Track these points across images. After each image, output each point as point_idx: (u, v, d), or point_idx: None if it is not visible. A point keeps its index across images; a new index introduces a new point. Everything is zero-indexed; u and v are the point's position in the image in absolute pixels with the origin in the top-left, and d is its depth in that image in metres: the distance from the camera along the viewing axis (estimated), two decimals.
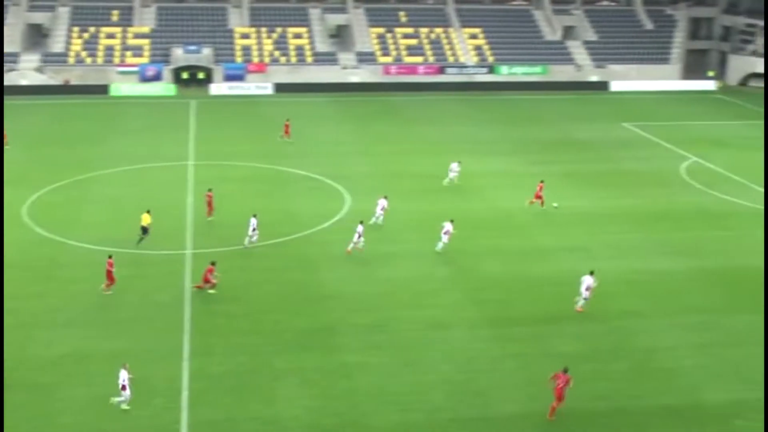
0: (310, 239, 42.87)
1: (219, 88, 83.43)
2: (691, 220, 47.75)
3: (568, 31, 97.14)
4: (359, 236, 40.88)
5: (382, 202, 45.31)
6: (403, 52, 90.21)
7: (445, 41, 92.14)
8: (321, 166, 56.06)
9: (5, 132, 57.30)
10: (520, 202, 49.14)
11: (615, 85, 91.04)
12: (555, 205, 48.46)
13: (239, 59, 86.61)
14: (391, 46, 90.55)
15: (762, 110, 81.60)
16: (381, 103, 79.92)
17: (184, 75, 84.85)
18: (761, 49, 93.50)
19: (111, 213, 46.07)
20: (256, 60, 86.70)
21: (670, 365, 31.23)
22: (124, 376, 27.30)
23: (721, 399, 29.08)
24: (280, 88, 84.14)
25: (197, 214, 45.96)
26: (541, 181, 49.56)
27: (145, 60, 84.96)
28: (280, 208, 47.30)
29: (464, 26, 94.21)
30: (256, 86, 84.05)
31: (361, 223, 41.83)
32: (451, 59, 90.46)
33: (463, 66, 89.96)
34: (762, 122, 75.85)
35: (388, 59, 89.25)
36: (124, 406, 27.40)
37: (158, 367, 29.98)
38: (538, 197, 48.78)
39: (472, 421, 27.43)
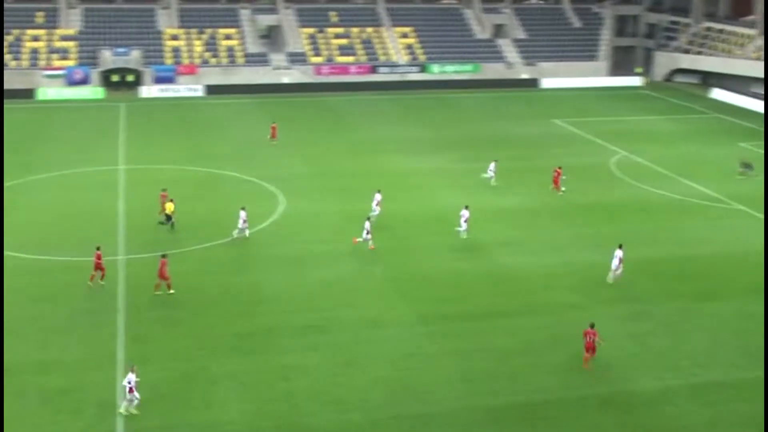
0: (246, 241, 42.57)
1: (149, 90, 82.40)
2: (622, 213, 48.64)
3: (498, 30, 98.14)
4: (368, 232, 41.28)
5: (377, 197, 45.71)
6: (335, 52, 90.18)
7: (376, 41, 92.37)
8: (254, 167, 55.76)
9: None
10: (454, 200, 49.45)
11: (545, 82, 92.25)
12: (563, 189, 51.48)
13: (169, 61, 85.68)
14: (323, 47, 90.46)
15: (687, 104, 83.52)
16: (313, 104, 79.79)
17: (113, 78, 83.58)
18: (685, 45, 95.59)
19: (40, 220, 45.17)
20: (186, 62, 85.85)
21: (604, 355, 31.71)
22: (131, 379, 26.97)
23: (653, 387, 29.66)
24: (212, 89, 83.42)
25: (130, 218, 45.36)
26: (558, 167, 52.43)
27: (72, 63, 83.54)
28: (213, 210, 46.91)
29: (395, 25, 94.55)
30: (188, 88, 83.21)
31: (368, 219, 42.23)
32: (382, 58, 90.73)
33: (394, 65, 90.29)
34: (688, 116, 77.69)
35: (320, 59, 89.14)
36: (134, 410, 27.02)
37: (91, 376, 29.44)
38: (556, 183, 51.54)
39: (411, 418, 27.53)
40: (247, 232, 42.52)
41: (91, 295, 36.01)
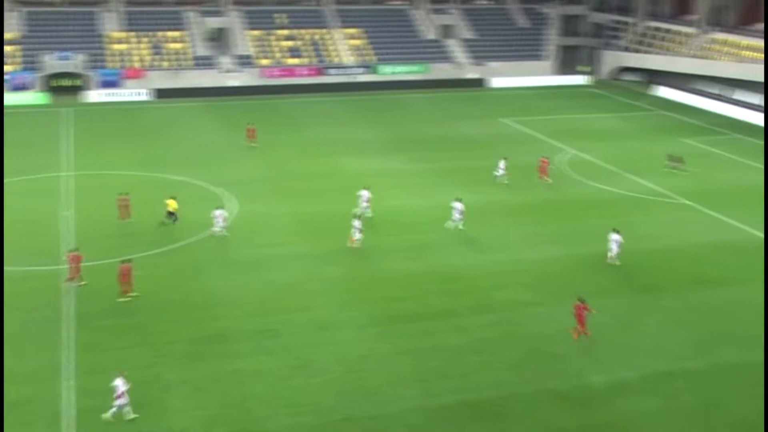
0: (196, 246, 42.27)
1: (95, 95, 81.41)
2: (573, 210, 49.16)
3: (446, 30, 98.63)
4: (357, 231, 41.73)
5: (365, 194, 45.95)
6: (283, 54, 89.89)
7: (324, 42, 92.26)
8: (204, 172, 55.36)
9: None
10: (405, 200, 49.69)
11: (493, 82, 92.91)
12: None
13: (114, 65, 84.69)
14: (271, 49, 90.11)
15: (633, 102, 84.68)
16: (262, 107, 79.46)
17: (57, 83, 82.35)
18: (629, 45, 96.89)
19: None
20: (132, 65, 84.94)
21: (557, 351, 32.07)
22: (119, 384, 26.73)
23: (605, 380, 30.04)
24: (160, 93, 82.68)
25: (79, 225, 44.75)
26: (545, 157, 55.41)
27: (14, 68, 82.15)
28: (163, 216, 46.42)
29: (343, 27, 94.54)
30: (134, 92, 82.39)
31: (358, 218, 42.54)
32: (331, 60, 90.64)
33: (343, 67, 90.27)
34: (634, 113, 78.80)
35: (268, 62, 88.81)
36: (130, 415, 26.91)
37: (40, 388, 28.94)
38: (543, 173, 53.93)
39: (364, 419, 27.54)
40: (220, 231, 43.21)
41: (39, 304, 35.44)
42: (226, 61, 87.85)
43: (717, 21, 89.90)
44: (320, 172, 56.07)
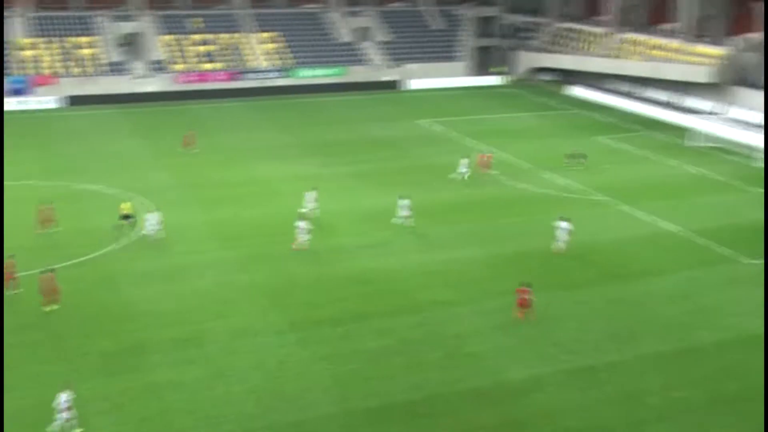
0: (112, 257, 41.38)
1: (5, 103, 79.07)
2: (490, 209, 49.61)
3: (362, 33, 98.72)
4: (304, 232, 41.97)
5: (312, 195, 46.07)
6: (198, 59, 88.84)
7: (239, 47, 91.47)
8: (118, 180, 54.23)
9: None
10: (323, 205, 49.42)
11: (410, 83, 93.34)
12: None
13: (23, 72, 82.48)
14: (185, 54, 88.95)
15: (548, 101, 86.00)
16: (177, 113, 78.36)
17: None
18: (543, 45, 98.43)
19: None
20: (42, 72, 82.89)
21: (477, 349, 32.28)
22: (64, 398, 26.13)
23: (523, 376, 30.34)
24: (72, 100, 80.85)
25: None
26: (486, 153, 56.96)
27: None
28: (78, 226, 45.41)
29: (258, 31, 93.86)
30: (45, 100, 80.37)
31: (302, 219, 42.49)
32: (247, 64, 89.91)
33: (259, 71, 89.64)
34: (549, 112, 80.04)
35: (183, 67, 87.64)
36: (76, 430, 26.25)
37: None
38: (485, 166, 55.72)
39: (285, 426, 27.25)
40: (153, 234, 43.21)
41: None
42: (139, 66, 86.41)
43: (627, 21, 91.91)
44: (237, 178, 55.53)
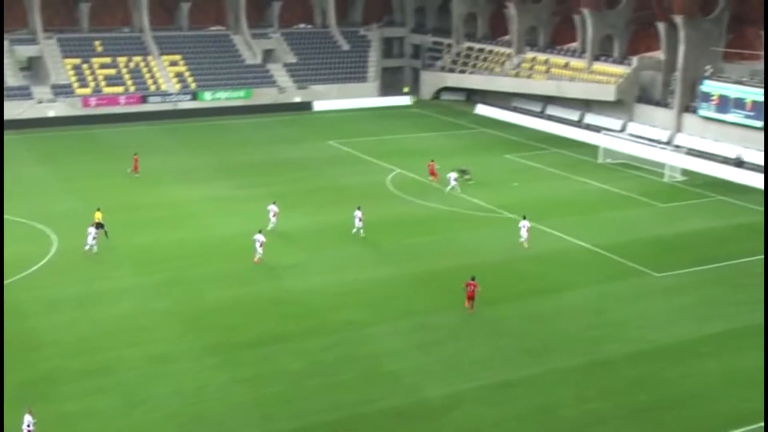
0: (17, 286, 40.15)
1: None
2: (401, 228, 49.95)
3: (269, 55, 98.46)
4: (260, 245, 43.28)
5: (273, 208, 46.19)
6: (102, 83, 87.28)
7: (145, 70, 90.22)
8: (23, 207, 52.62)
9: None
10: (234, 228, 49.13)
11: (318, 105, 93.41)
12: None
13: None
14: (89, 77, 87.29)
15: (455, 120, 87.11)
16: (83, 137, 76.69)
17: None
18: (449, 65, 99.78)
19: None
20: None
21: (394, 368, 32.46)
22: (28, 421, 26.19)
23: (441, 393, 30.64)
24: None
25: None
26: (432, 160, 59.99)
27: None
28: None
29: (163, 53, 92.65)
30: None
31: (260, 232, 43.86)
32: (152, 88, 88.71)
33: (165, 94, 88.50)
34: (456, 132, 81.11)
35: (87, 91, 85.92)
36: None
37: None
38: (433, 174, 58.51)
39: None
40: (95, 249, 44.08)
41: None
42: (42, 91, 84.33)
43: (531, 41, 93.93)
44: (150, 202, 54.67)
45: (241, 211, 52.78)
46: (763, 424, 28.43)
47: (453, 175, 58.07)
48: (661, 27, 76.73)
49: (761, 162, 65.76)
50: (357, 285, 41.00)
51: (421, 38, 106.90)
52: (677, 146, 69.84)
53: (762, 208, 54.96)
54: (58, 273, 41.77)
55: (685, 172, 63.86)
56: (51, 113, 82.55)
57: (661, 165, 64.40)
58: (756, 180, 62.32)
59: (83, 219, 50.44)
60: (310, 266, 43.43)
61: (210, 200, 55.23)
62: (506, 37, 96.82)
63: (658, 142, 70.68)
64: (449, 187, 57.51)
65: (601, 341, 35.13)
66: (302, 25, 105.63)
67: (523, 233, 46.47)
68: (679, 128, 74.45)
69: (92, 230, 44.47)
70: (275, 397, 30.16)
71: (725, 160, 67.60)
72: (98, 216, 46.87)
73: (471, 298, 37.76)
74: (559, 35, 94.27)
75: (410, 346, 34.38)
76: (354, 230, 48.15)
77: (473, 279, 38.01)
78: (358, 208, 48.60)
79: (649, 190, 59.49)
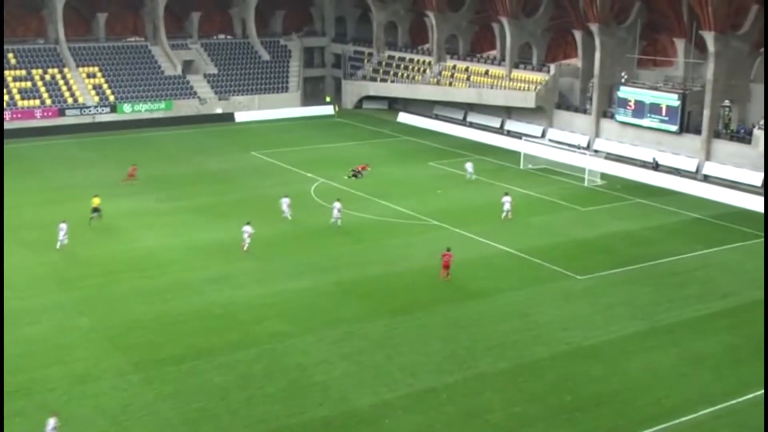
0: None
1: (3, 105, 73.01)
2: (326, 238, 49.85)
3: (188, 66, 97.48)
4: (248, 235, 46.65)
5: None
6: (17, 96, 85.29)
7: (61, 82, 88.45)
8: None
9: None
10: (155, 241, 48.50)
11: (239, 116, 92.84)
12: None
13: None
14: (3, 91, 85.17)
15: (378, 129, 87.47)
16: None
17: None
18: (370, 74, 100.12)
19: None
20: None
21: (321, 378, 32.32)
22: (53, 424, 26.89)
23: (370, 402, 30.60)
24: None
25: None
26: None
27: None
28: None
29: (80, 65, 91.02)
30: None
31: (248, 224, 46.79)
32: (70, 101, 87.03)
33: (83, 107, 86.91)
34: (379, 140, 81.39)
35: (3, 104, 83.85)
36: None
37: None
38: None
39: None
40: (66, 242, 46.90)
41: None
42: None
43: (450, 49, 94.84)
44: (65, 217, 53.40)
45: (163, 224, 52.08)
46: (682, 419, 29.22)
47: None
48: (578, 35, 78.30)
49: (676, 164, 67.61)
50: (281, 296, 40.74)
51: (342, 47, 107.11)
52: (596, 151, 71.25)
53: (679, 210, 56.47)
54: None
55: (604, 176, 65.15)
56: None
57: (581, 170, 65.58)
58: (671, 182, 63.97)
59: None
60: (233, 279, 43.01)
61: (131, 214, 54.33)
62: (426, 46, 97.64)
63: (578, 147, 72.01)
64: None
65: (527, 344, 35.54)
66: (222, 36, 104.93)
67: (506, 207, 53.15)
68: (597, 133, 76.04)
69: (63, 226, 47.04)
70: (202, 412, 29.75)
71: (643, 164, 69.17)
72: (96, 201, 51.80)
73: (447, 267, 42.38)
74: (478, 43, 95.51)
75: (337, 355, 34.27)
76: (332, 221, 51.71)
77: (449, 250, 42.90)
78: (338, 200, 52.84)
79: (569, 195, 60.53)
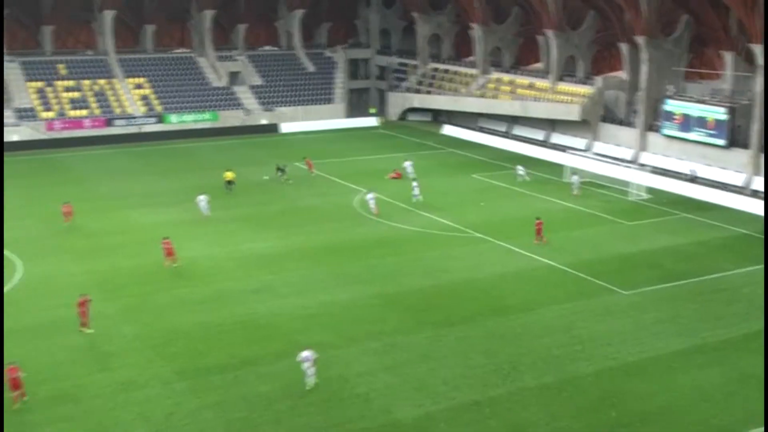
0: None
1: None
2: (367, 250, 49.87)
3: (234, 77, 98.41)
4: (374, 202, 55.07)
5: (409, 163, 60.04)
6: (66, 106, 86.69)
7: (109, 93, 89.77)
8: None
9: None
10: (201, 251, 48.87)
11: (284, 127, 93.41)
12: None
13: None
14: (53, 101, 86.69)
15: (422, 141, 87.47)
16: (46, 161, 76.13)
17: None
18: (415, 86, 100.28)
19: None
20: None
21: (363, 390, 32.28)
22: (307, 356, 32.06)
23: (414, 414, 30.47)
24: None
25: None
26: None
27: None
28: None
29: (128, 77, 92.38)
30: None
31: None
32: (117, 111, 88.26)
33: (130, 117, 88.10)
34: (423, 152, 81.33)
35: (51, 114, 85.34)
36: (311, 381, 31.89)
37: None
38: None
39: None
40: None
41: None
42: (5, 114, 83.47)
43: (494, 62, 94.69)
44: (112, 227, 54.18)
45: (205, 234, 52.48)
46: None
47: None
48: (624, 47, 77.73)
49: (723, 179, 66.71)
50: (324, 307, 40.80)
51: (386, 59, 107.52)
52: (641, 165, 70.58)
53: (726, 225, 55.67)
54: (22, 300, 41.19)
55: (650, 190, 64.48)
56: (14, 137, 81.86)
57: (626, 183, 64.99)
58: (719, 197, 63.07)
59: (48, 244, 50.15)
60: (275, 289, 43.17)
61: (176, 223, 54.81)
62: (471, 58, 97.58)
63: (623, 160, 71.37)
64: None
65: (571, 359, 35.21)
66: (267, 47, 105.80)
67: (576, 184, 62.90)
68: (643, 147, 75.33)
69: (203, 197, 55.66)
70: (245, 421, 29.86)
71: (691, 179, 68.42)
72: (230, 175, 61.80)
73: (539, 233, 49.77)
74: (523, 56, 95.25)
75: (379, 367, 34.22)
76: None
77: (539, 219, 50.24)
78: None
79: (614, 209, 59.99)
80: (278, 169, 68.08)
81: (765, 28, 62.36)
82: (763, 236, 53.40)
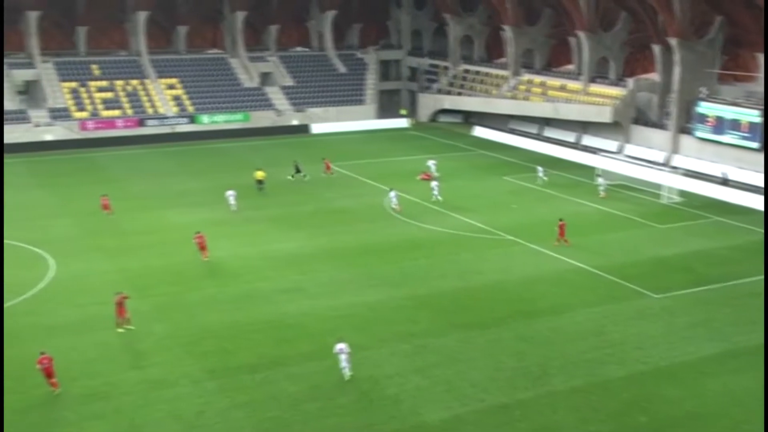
0: (15, 311, 40.01)
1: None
2: (398, 251, 49.87)
3: (266, 78, 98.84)
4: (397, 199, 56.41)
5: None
6: (100, 106, 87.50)
7: (142, 93, 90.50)
8: (20, 231, 52.57)
9: None
10: (231, 250, 49.11)
11: (315, 128, 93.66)
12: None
13: None
14: (86, 101, 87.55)
15: (453, 143, 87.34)
16: (80, 161, 76.90)
17: None
18: (446, 87, 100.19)
19: None
20: None
21: (392, 392, 32.28)
22: (339, 347, 33.04)
23: (442, 416, 30.43)
24: None
25: None
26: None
27: None
28: None
29: (160, 77, 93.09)
30: None
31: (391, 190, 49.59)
32: (150, 111, 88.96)
33: (163, 117, 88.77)
34: (454, 153, 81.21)
35: (84, 114, 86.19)
36: (347, 372, 32.78)
37: None
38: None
39: None
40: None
41: None
42: (39, 114, 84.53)
43: (526, 64, 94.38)
44: (145, 226, 54.64)
45: (236, 234, 52.75)
46: None
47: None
48: (656, 49, 77.17)
49: (757, 182, 65.96)
50: (354, 308, 40.85)
51: (417, 61, 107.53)
52: (674, 167, 70.02)
53: (759, 229, 55.03)
54: (56, 297, 41.66)
55: (682, 193, 63.95)
56: (48, 137, 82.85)
57: (658, 186, 64.50)
58: (752, 200, 62.39)
59: (81, 242, 50.65)
60: (305, 290, 43.29)
61: (208, 223, 54.98)
62: (502, 60, 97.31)
63: (655, 163, 70.82)
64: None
65: (601, 363, 34.99)
66: (299, 48, 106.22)
67: (602, 184, 63.40)
68: (675, 149, 74.74)
69: (232, 193, 58.61)
70: (275, 421, 29.97)
71: (719, 179, 67.81)
72: (260, 174, 63.61)
73: (562, 234, 50.06)
74: (555, 57, 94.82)
75: (409, 369, 34.20)
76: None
77: (561, 220, 50.57)
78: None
79: (646, 211, 59.54)
80: (296, 169, 68.95)
81: (765, 28, 61.63)
82: None
